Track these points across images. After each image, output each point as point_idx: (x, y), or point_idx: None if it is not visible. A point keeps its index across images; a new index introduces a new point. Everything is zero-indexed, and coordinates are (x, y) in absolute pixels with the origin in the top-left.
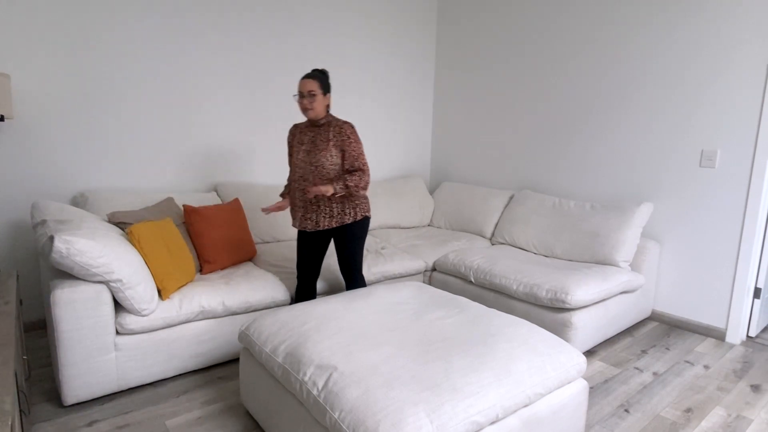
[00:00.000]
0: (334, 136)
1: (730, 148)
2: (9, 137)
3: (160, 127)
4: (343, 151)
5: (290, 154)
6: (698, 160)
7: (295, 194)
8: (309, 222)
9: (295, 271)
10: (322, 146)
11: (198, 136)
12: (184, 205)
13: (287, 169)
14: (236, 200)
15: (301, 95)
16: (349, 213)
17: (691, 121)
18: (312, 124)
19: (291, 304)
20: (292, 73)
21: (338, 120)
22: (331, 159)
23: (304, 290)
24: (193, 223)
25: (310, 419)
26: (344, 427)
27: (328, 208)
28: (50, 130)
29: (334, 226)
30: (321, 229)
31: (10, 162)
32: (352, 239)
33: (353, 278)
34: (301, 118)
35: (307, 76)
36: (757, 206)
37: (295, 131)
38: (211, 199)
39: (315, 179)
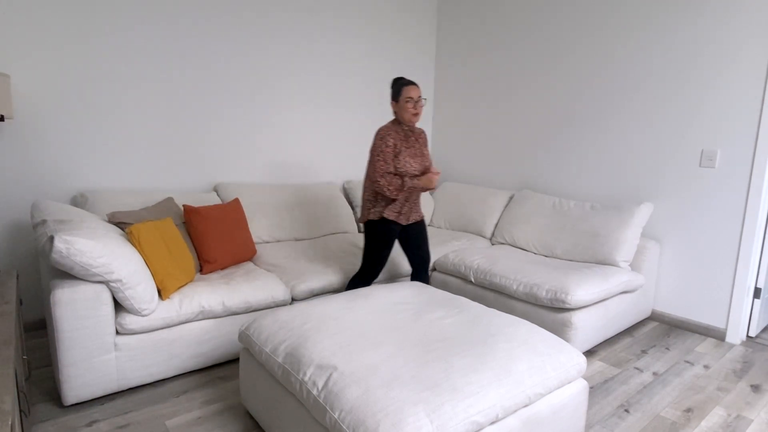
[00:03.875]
0: (424, 140)
1: (730, 148)
2: (9, 137)
3: (160, 127)
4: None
5: (390, 158)
6: (698, 160)
7: (410, 196)
8: (416, 215)
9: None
10: (424, 150)
11: (198, 136)
12: (184, 205)
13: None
14: (236, 200)
15: (414, 101)
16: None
17: (691, 121)
18: (403, 129)
19: (292, 303)
20: (292, 74)
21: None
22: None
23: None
24: (193, 223)
25: (310, 419)
26: (344, 427)
27: (418, 204)
28: (50, 130)
29: (419, 219)
30: (417, 220)
31: (9, 162)
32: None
33: (427, 269)
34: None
35: (414, 84)
36: (757, 206)
37: (394, 134)
38: (211, 199)
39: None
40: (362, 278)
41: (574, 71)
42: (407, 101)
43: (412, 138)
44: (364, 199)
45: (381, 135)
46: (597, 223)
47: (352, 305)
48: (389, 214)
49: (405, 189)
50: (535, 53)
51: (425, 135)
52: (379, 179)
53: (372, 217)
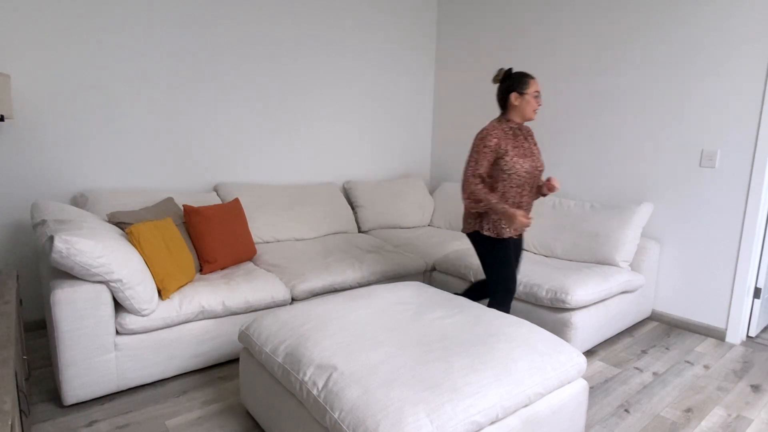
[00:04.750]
0: (533, 138)
1: (730, 148)
2: (9, 137)
3: (160, 127)
4: None
5: (488, 160)
6: (698, 160)
7: (521, 201)
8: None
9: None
10: (534, 149)
11: (198, 136)
12: (184, 205)
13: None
14: (236, 200)
15: (539, 95)
16: None
17: (691, 121)
18: (511, 126)
19: (292, 303)
20: (292, 76)
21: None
22: None
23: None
24: (193, 223)
25: (310, 419)
26: (344, 427)
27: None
28: (50, 130)
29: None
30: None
31: (9, 162)
32: None
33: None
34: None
35: (534, 77)
36: (757, 206)
37: (500, 134)
38: (211, 199)
39: (534, 183)
40: (499, 301)
41: (573, 71)
42: (536, 95)
43: (521, 137)
44: (467, 207)
45: (482, 135)
46: (597, 223)
47: (352, 305)
48: (502, 231)
49: (482, 204)
50: (534, 54)
51: (532, 132)
52: (467, 178)
53: (477, 228)
